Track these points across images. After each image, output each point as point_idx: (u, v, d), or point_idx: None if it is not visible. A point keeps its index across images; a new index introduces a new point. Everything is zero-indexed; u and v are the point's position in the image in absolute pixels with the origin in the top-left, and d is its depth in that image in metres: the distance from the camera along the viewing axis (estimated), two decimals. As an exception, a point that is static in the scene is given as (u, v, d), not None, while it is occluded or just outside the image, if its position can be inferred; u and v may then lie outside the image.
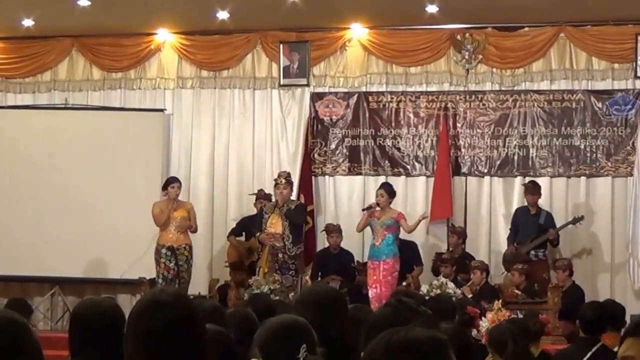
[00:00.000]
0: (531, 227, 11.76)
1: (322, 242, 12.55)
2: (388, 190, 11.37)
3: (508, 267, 11.56)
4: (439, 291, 10.04)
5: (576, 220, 11.86)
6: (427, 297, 8.35)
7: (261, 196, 12.32)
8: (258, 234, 11.33)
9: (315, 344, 3.21)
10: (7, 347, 2.58)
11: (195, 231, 11.70)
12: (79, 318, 3.56)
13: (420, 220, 11.52)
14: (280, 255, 11.12)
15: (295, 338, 3.15)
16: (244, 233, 12.46)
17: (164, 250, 11.42)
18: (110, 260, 12.57)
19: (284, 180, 11.39)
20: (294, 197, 11.82)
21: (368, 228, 11.42)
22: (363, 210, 11.70)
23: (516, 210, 12.12)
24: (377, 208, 11.32)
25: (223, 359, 3.74)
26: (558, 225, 11.83)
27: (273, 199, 11.70)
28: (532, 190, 11.86)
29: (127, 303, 11.97)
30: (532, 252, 11.72)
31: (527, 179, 12.31)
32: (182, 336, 2.63)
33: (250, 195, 12.66)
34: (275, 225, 11.22)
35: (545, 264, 11.76)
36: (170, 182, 11.67)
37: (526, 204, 11.98)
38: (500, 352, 5.81)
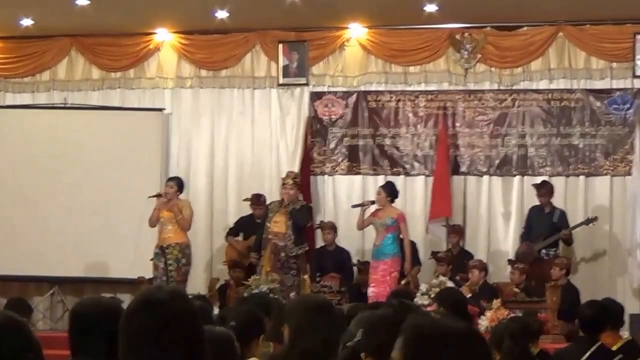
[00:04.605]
0: (544, 225, 11.70)
1: (320, 241, 12.54)
2: (387, 190, 11.36)
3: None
4: (437, 290, 10.04)
5: (589, 221, 11.76)
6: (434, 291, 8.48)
7: (254, 201, 12.31)
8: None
9: None
10: (6, 347, 2.59)
11: (186, 227, 11.40)
12: (77, 317, 3.55)
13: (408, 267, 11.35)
14: (282, 254, 11.09)
15: (396, 332, 3.43)
16: (241, 233, 12.48)
17: (155, 250, 11.39)
18: (110, 260, 12.56)
19: (291, 181, 11.32)
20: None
21: (372, 228, 11.41)
22: (353, 207, 11.72)
23: (530, 208, 12.04)
24: (371, 206, 11.32)
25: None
26: (571, 224, 11.80)
27: (268, 199, 11.73)
28: (542, 191, 11.77)
29: (126, 303, 11.96)
30: (544, 251, 11.67)
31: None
32: (175, 336, 2.57)
33: (245, 201, 12.61)
34: (279, 224, 11.17)
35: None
36: (166, 182, 11.62)
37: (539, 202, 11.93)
38: (498, 349, 5.85)
